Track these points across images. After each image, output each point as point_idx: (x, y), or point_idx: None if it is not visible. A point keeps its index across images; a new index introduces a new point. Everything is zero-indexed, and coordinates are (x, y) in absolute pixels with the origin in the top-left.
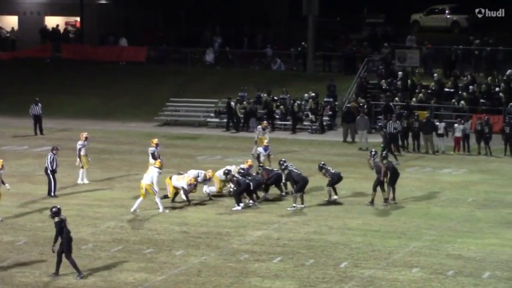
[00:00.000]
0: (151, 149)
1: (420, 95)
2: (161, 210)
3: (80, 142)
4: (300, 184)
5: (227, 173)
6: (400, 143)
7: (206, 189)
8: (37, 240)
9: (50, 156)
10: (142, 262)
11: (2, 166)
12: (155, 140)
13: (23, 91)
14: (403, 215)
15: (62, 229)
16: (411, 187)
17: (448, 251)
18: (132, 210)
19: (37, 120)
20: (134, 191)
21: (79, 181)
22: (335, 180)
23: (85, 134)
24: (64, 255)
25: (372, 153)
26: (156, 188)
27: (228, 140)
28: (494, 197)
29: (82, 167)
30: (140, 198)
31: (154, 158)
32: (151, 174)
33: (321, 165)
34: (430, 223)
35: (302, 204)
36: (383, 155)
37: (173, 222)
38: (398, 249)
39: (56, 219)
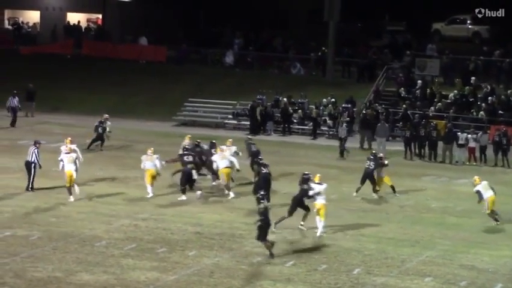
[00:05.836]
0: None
1: (439, 104)
2: None
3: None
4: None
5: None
6: (417, 151)
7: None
8: (51, 235)
9: (36, 151)
10: (155, 261)
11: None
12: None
13: (42, 86)
14: (417, 224)
15: None
16: (427, 196)
17: (461, 261)
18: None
19: (15, 112)
20: None
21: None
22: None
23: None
24: None
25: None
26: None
27: (243, 143)
28: (510, 209)
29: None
30: None
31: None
32: None
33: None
34: (444, 233)
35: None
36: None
37: (188, 222)
38: (411, 258)
39: None
